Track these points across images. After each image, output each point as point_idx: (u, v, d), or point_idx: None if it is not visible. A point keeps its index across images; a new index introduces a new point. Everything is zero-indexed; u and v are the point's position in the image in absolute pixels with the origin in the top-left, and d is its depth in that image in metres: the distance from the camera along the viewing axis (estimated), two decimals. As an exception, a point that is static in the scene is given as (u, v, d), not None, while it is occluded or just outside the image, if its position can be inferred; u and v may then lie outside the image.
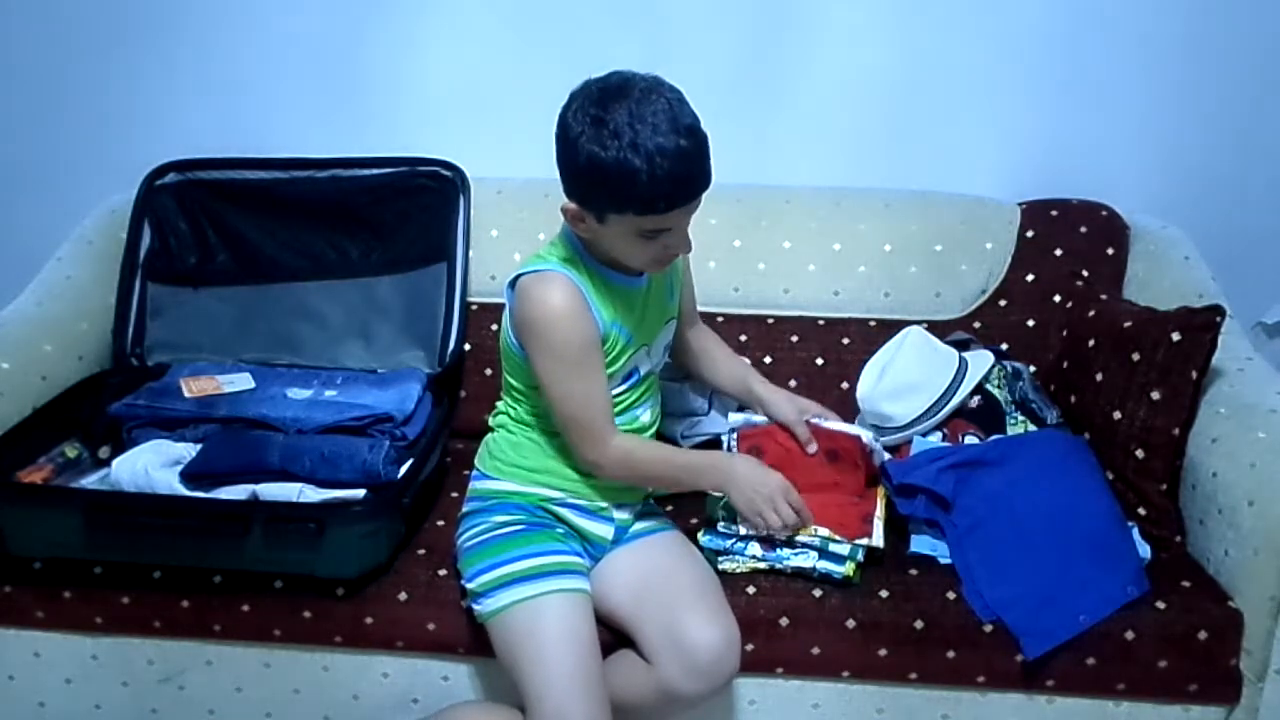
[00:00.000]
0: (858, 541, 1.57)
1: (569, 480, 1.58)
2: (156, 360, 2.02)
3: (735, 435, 1.68)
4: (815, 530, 1.56)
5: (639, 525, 1.62)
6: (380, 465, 1.65)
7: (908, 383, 1.79)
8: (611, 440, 1.51)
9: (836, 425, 1.67)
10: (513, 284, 1.52)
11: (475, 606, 1.52)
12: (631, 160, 1.32)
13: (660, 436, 1.82)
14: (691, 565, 1.56)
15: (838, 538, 1.56)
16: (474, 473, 1.64)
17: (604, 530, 1.59)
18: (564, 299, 1.44)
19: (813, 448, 1.64)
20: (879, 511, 1.60)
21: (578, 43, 2.10)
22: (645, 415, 1.61)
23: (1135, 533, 1.65)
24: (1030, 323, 2.01)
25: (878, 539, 1.58)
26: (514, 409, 1.61)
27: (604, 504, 1.59)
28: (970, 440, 1.78)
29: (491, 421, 1.65)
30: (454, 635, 1.60)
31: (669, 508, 1.75)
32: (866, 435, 1.67)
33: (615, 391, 1.55)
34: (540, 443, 1.58)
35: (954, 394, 1.79)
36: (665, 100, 1.35)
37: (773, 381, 1.98)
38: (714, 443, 1.84)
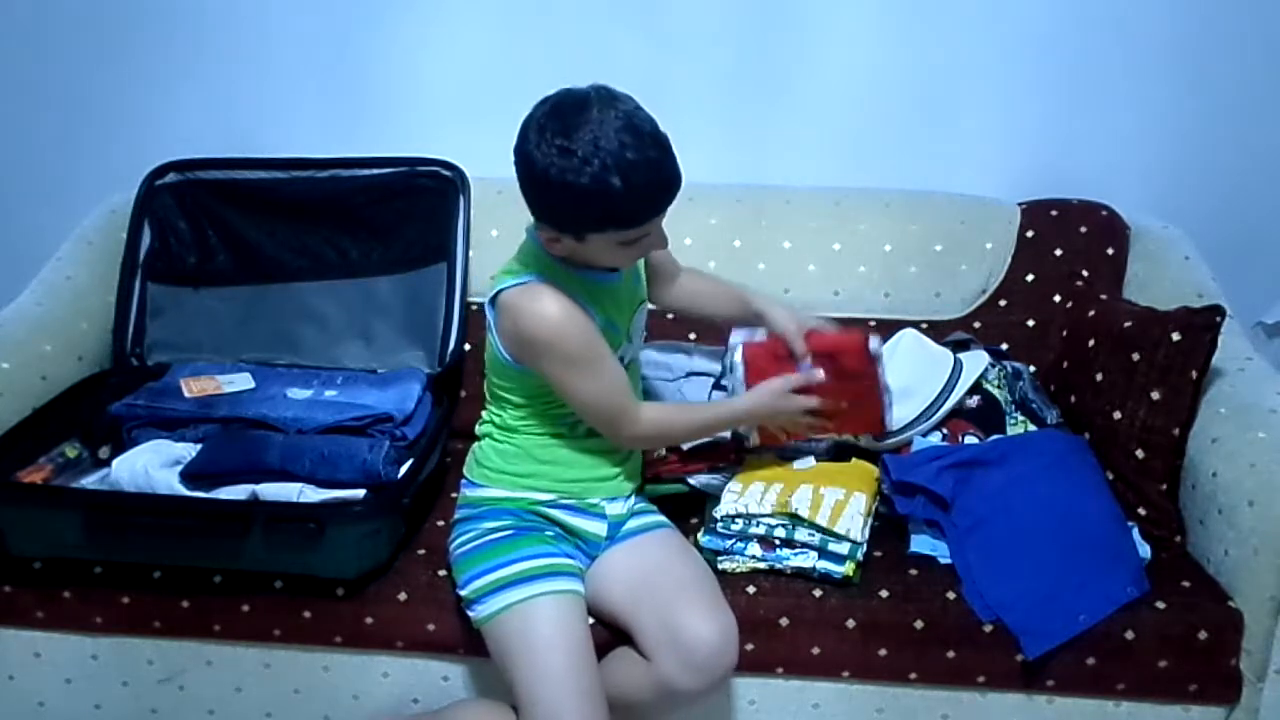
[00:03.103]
0: (850, 535, 1.57)
1: (557, 481, 1.58)
2: (156, 360, 2.02)
3: (740, 348, 1.69)
4: (814, 516, 1.57)
5: (635, 523, 1.62)
6: (380, 465, 1.65)
7: (901, 387, 1.78)
8: (641, 415, 1.54)
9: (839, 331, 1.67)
10: (493, 300, 1.51)
11: (470, 612, 1.52)
12: (610, 181, 1.32)
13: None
14: (687, 561, 1.56)
15: (836, 530, 1.56)
16: (463, 481, 1.64)
17: (597, 527, 1.59)
18: (559, 308, 1.44)
19: (806, 363, 1.62)
20: (862, 507, 1.60)
21: (578, 43, 2.10)
22: None
23: (1135, 533, 1.65)
24: (1030, 323, 2.01)
25: (860, 534, 1.58)
26: (499, 416, 1.61)
27: (594, 500, 1.59)
28: (970, 440, 1.78)
29: (478, 430, 1.65)
30: (454, 635, 1.60)
31: (669, 507, 1.75)
32: (874, 341, 1.64)
33: None
34: (526, 447, 1.58)
35: (948, 396, 1.79)
36: (623, 112, 1.34)
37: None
38: (715, 446, 1.83)
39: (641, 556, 1.57)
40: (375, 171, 2.06)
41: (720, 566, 1.61)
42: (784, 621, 1.57)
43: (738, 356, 1.69)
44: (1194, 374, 1.66)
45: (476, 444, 1.65)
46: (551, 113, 1.35)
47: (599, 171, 1.31)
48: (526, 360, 1.49)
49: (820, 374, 1.61)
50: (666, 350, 1.93)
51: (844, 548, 1.57)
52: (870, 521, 1.62)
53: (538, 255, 1.50)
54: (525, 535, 1.54)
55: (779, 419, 1.64)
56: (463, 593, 1.53)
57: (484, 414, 1.65)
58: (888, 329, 1.95)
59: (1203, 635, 1.53)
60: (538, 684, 1.43)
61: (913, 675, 1.58)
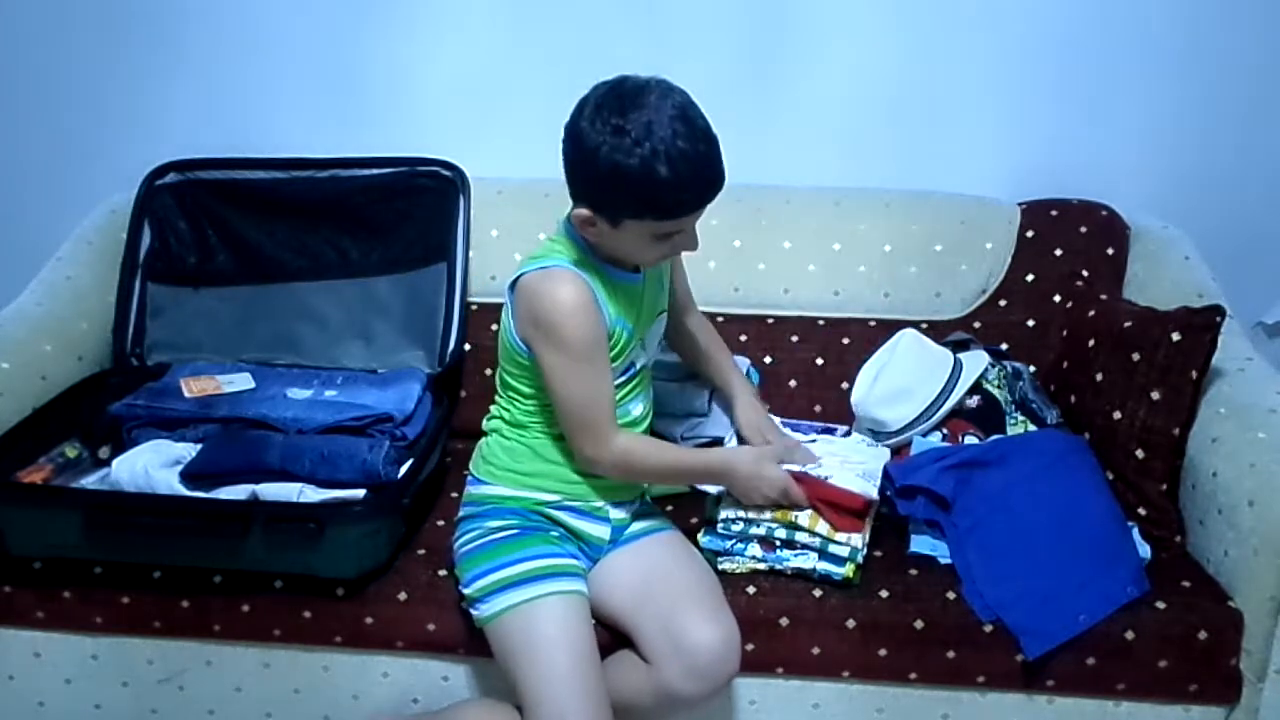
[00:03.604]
0: (851, 538, 1.57)
1: (563, 482, 1.57)
2: (156, 360, 2.02)
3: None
4: (814, 526, 1.57)
5: (638, 525, 1.62)
6: (380, 465, 1.65)
7: (900, 388, 1.79)
8: (613, 438, 1.52)
9: (842, 483, 1.58)
10: (513, 284, 1.51)
11: (473, 612, 1.52)
12: (657, 167, 1.33)
13: (656, 434, 1.83)
14: (691, 565, 1.56)
15: (838, 539, 1.56)
16: (469, 478, 1.64)
17: (600, 530, 1.59)
18: (575, 295, 1.44)
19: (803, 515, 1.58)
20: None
21: (578, 43, 2.10)
22: (638, 408, 1.61)
23: (1135, 533, 1.65)
24: (1030, 323, 2.01)
25: (860, 540, 1.58)
26: (508, 411, 1.60)
27: (600, 504, 1.59)
28: (970, 440, 1.78)
29: (486, 425, 1.65)
30: (454, 635, 1.60)
31: (669, 507, 1.75)
32: (873, 492, 1.59)
33: (616, 380, 1.54)
34: (534, 446, 1.58)
35: (948, 397, 1.79)
36: (678, 103, 1.36)
37: (773, 382, 1.98)
38: (715, 445, 1.83)
39: (644, 560, 1.57)
40: (375, 171, 2.06)
41: (720, 567, 1.61)
42: (784, 621, 1.57)
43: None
44: (1194, 374, 1.66)
45: (484, 440, 1.64)
46: (610, 93, 1.37)
47: (649, 156, 1.33)
48: (532, 343, 1.49)
49: (811, 468, 1.58)
50: (668, 350, 1.93)
51: (844, 550, 1.57)
52: (868, 536, 1.61)
53: (565, 245, 1.51)
54: (530, 535, 1.54)
55: (751, 483, 1.56)
56: (466, 591, 1.53)
57: (493, 407, 1.65)
58: (888, 329, 1.95)
59: (1203, 635, 1.53)
60: (542, 684, 1.43)
61: (913, 675, 1.58)
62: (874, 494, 1.58)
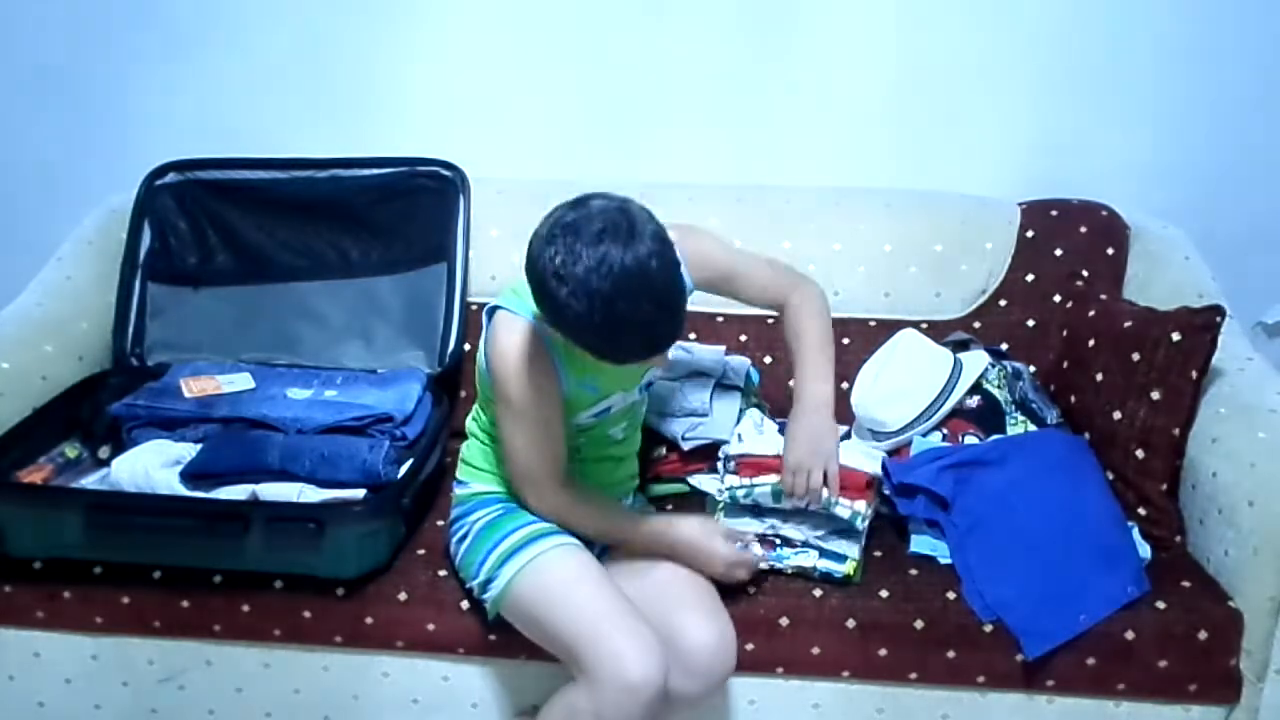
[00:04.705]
0: (855, 504, 1.56)
1: None
2: (156, 360, 2.02)
3: (735, 464, 1.65)
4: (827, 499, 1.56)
5: None
6: (380, 465, 1.66)
7: (900, 388, 1.79)
8: (551, 493, 1.52)
9: (845, 460, 1.58)
10: (492, 312, 1.51)
11: (486, 601, 1.52)
12: (592, 319, 1.27)
13: (656, 434, 1.82)
14: (687, 565, 1.56)
15: (842, 502, 1.55)
16: (454, 481, 1.65)
17: None
18: (525, 353, 1.44)
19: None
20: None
21: (578, 43, 2.10)
22: (619, 432, 1.63)
23: (1135, 533, 1.65)
24: (1030, 323, 2.01)
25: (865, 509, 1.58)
26: (481, 417, 1.63)
27: None
28: (970, 440, 1.78)
29: (466, 427, 1.67)
30: (454, 635, 1.60)
31: (669, 507, 1.75)
32: (877, 468, 1.60)
33: (587, 419, 1.55)
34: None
35: (948, 397, 1.79)
36: (635, 257, 1.26)
37: (772, 382, 1.98)
38: (715, 447, 1.83)
39: (640, 560, 1.56)
40: (375, 171, 2.06)
41: (720, 567, 1.61)
42: (784, 621, 1.57)
43: (732, 466, 1.66)
44: (1194, 374, 1.66)
45: (464, 443, 1.66)
46: (570, 225, 1.28)
47: (584, 310, 1.27)
48: (489, 379, 1.51)
49: (759, 554, 1.57)
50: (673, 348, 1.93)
51: (847, 513, 1.55)
52: (871, 512, 1.62)
53: None
54: (514, 512, 1.56)
55: (697, 559, 1.54)
56: (475, 583, 1.53)
57: (473, 410, 1.66)
58: (888, 329, 1.95)
59: (1203, 635, 1.53)
60: (574, 624, 1.42)
61: (913, 675, 1.58)
62: (878, 469, 1.61)
